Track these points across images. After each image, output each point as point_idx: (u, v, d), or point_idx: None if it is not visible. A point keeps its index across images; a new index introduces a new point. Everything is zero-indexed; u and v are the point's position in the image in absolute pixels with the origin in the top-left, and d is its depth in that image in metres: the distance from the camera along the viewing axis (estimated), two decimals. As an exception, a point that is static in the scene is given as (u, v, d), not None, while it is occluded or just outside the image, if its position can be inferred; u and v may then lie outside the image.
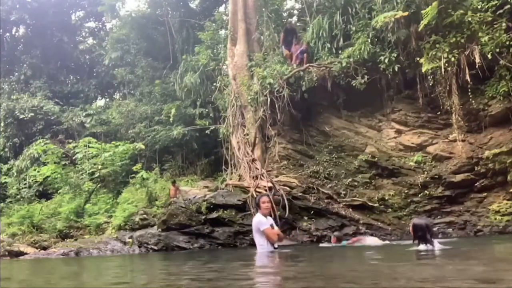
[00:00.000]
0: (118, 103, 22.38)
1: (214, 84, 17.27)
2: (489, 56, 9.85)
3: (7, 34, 28.03)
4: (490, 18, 10.06)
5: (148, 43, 22.40)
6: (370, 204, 11.55)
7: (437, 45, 10.59)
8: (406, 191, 11.47)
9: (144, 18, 22.55)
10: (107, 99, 28.02)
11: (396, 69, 11.38)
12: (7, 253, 12.56)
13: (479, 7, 10.20)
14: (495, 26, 9.97)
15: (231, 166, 14.71)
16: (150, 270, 6.04)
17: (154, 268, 6.28)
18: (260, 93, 13.07)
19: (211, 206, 11.61)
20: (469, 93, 10.36)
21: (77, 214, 15.51)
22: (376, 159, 11.96)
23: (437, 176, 11.11)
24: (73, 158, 18.82)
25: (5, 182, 20.38)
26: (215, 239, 11.30)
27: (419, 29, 10.83)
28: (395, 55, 11.42)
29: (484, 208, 10.65)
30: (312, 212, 11.65)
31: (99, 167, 17.51)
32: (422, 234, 5.65)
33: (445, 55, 10.37)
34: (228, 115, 15.00)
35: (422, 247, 5.65)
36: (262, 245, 6.70)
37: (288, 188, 11.90)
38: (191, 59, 18.55)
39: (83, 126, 22.16)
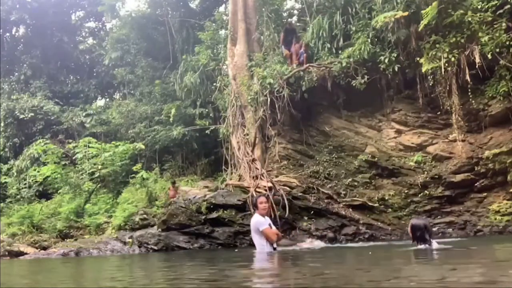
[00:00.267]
0: (118, 103, 22.36)
1: (214, 84, 17.26)
2: (489, 56, 9.86)
3: (7, 34, 28.01)
4: (490, 18, 10.06)
5: (148, 43, 22.39)
6: (370, 204, 11.56)
7: (437, 45, 10.60)
8: (406, 191, 11.47)
9: (144, 18, 22.54)
10: (107, 99, 28.00)
11: (396, 69, 11.39)
12: (7, 253, 12.55)
13: (479, 7, 10.20)
14: (495, 26, 9.97)
15: (231, 166, 14.71)
16: (150, 270, 6.04)
17: (154, 268, 6.28)
18: (260, 93, 13.07)
19: (211, 206, 11.60)
20: (469, 93, 10.36)
21: (77, 214, 15.49)
22: (376, 159, 11.97)
23: (437, 176, 11.11)
24: (73, 158, 18.79)
25: (5, 182, 20.36)
26: (215, 239, 11.30)
27: (419, 29, 10.84)
28: (395, 55, 11.42)
29: (484, 208, 10.66)
30: (312, 212, 11.64)
31: (99, 167, 17.50)
32: (421, 234, 5.66)
33: (445, 55, 10.37)
34: (228, 115, 15.00)
35: (421, 247, 5.65)
36: (262, 246, 6.70)
37: (288, 188, 11.89)
38: (191, 59, 18.55)
39: (83, 126, 22.15)
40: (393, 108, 12.14)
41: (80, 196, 16.79)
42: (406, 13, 10.96)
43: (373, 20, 11.55)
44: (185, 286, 4.02)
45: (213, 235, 11.35)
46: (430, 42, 10.74)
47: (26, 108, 21.69)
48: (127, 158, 17.85)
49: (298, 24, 16.11)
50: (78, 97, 25.78)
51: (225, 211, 11.48)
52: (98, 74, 27.52)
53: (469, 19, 10.16)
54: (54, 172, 17.48)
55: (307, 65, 12.63)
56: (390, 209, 11.51)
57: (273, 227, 6.92)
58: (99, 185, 17.69)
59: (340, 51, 12.51)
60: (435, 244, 5.74)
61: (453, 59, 10.29)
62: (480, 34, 10.07)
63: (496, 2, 10.01)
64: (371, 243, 9.93)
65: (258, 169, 12.62)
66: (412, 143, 11.72)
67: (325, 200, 11.88)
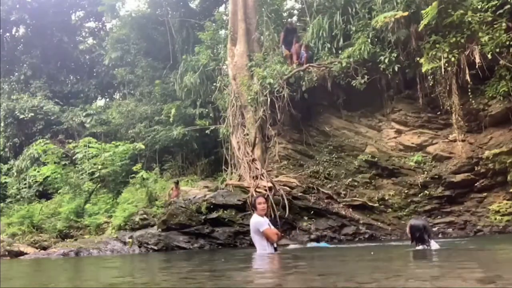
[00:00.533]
0: (118, 103, 22.36)
1: (214, 84, 17.26)
2: (489, 56, 9.86)
3: (7, 34, 27.99)
4: (490, 18, 10.06)
5: (148, 43, 22.39)
6: (370, 204, 11.56)
7: (437, 45, 10.59)
8: (406, 191, 11.47)
9: (144, 18, 22.54)
10: (107, 99, 28.00)
11: (396, 69, 11.39)
12: (7, 253, 12.55)
13: (479, 7, 10.20)
14: (495, 26, 9.97)
15: (231, 166, 14.71)
16: (150, 270, 6.04)
17: (153, 268, 6.28)
18: (260, 93, 13.07)
19: (211, 206, 11.61)
20: (469, 93, 10.36)
21: (77, 214, 15.48)
22: (376, 159, 11.96)
23: (437, 176, 11.11)
24: (73, 158, 18.79)
25: (5, 182, 20.36)
26: (215, 239, 11.30)
27: (419, 29, 10.83)
28: (395, 55, 11.42)
29: (484, 208, 10.66)
30: (312, 212, 11.65)
31: (99, 167, 17.49)
32: (420, 235, 5.61)
33: (445, 55, 10.37)
34: (228, 115, 14.99)
35: (420, 248, 5.61)
36: (263, 246, 6.68)
37: (288, 188, 11.89)
38: (191, 59, 18.55)
39: (83, 126, 22.14)
40: (393, 108, 12.14)
41: (80, 196, 16.78)
42: (406, 13, 10.96)
43: (373, 20, 11.55)
44: (184, 286, 4.02)
45: (213, 235, 11.35)
46: (430, 42, 10.74)
47: (26, 108, 21.68)
48: (127, 158, 17.84)
49: (298, 24, 16.10)
50: (78, 97, 25.76)
51: (225, 211, 11.48)
52: (98, 74, 27.51)
53: (469, 19, 10.16)
54: (54, 172, 17.46)
55: (307, 65, 12.63)
56: (390, 209, 11.51)
57: (272, 227, 6.90)
58: (99, 185, 17.68)
59: (340, 51, 12.51)
60: (434, 244, 5.71)
61: (453, 59, 10.29)
62: (480, 34, 10.06)
63: (496, 2, 10.00)
64: (357, 244, 9.94)
65: (258, 169, 12.62)
66: (412, 143, 11.72)
67: (325, 200, 11.88)
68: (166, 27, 21.44)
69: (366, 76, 11.68)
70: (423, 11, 10.63)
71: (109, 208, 15.59)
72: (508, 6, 9.93)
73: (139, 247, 11.91)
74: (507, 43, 9.76)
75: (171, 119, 17.70)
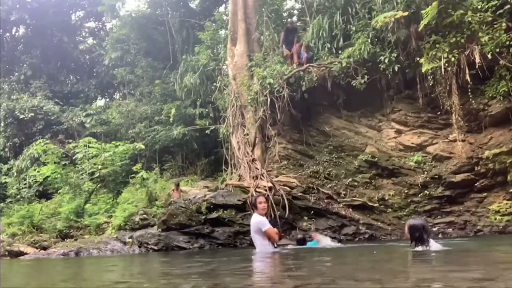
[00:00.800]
0: (118, 103, 22.36)
1: (214, 84, 17.26)
2: (489, 56, 9.86)
3: (7, 34, 28.00)
4: (490, 18, 10.06)
5: (148, 43, 22.39)
6: (370, 204, 11.56)
7: (437, 45, 10.59)
8: (406, 191, 11.47)
9: (144, 18, 22.55)
10: (107, 99, 28.01)
11: (396, 69, 11.39)
12: (7, 253, 12.55)
13: (479, 7, 10.20)
14: (495, 26, 9.97)
15: (231, 166, 14.70)
16: (150, 270, 6.04)
17: (153, 268, 6.28)
18: (260, 93, 13.07)
19: (211, 206, 11.60)
20: (469, 93, 10.36)
21: (77, 214, 15.48)
22: (376, 159, 11.97)
23: (437, 176, 11.11)
24: (73, 158, 18.80)
25: (5, 182, 20.36)
26: (215, 239, 11.30)
27: (419, 29, 10.83)
28: (395, 55, 11.42)
29: (484, 208, 10.66)
30: (312, 212, 11.65)
31: (99, 167, 17.50)
32: (419, 235, 5.59)
33: (445, 55, 10.37)
34: (228, 115, 14.99)
35: (418, 249, 5.59)
36: (264, 245, 6.69)
37: (288, 188, 11.89)
38: (191, 59, 18.55)
39: (83, 126, 22.15)
40: (393, 108, 12.14)
41: (80, 196, 16.79)
42: (406, 13, 10.96)
43: (373, 20, 11.55)
44: (184, 286, 4.02)
45: (213, 235, 11.35)
46: (430, 42, 10.74)
47: (26, 108, 21.69)
48: (127, 158, 17.85)
49: (298, 24, 16.10)
50: (78, 97, 25.77)
51: (225, 211, 11.48)
52: (98, 74, 27.52)
53: (469, 19, 10.16)
54: (54, 172, 17.48)
55: (307, 65, 12.63)
56: (390, 209, 11.51)
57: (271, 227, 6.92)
58: (99, 185, 17.69)
59: (340, 51, 12.51)
60: (434, 244, 5.69)
61: (453, 59, 10.29)
62: (480, 34, 10.06)
63: (496, 2, 10.00)
64: (351, 244, 9.93)
65: (258, 169, 12.62)
66: (412, 143, 11.72)
67: (325, 200, 11.88)
68: (166, 27, 21.44)
69: (366, 76, 11.68)
70: (423, 11, 10.63)
71: (109, 208, 15.60)
72: (508, 6, 9.93)
73: (139, 247, 11.92)
74: (507, 43, 9.76)
75: (171, 119, 17.70)
